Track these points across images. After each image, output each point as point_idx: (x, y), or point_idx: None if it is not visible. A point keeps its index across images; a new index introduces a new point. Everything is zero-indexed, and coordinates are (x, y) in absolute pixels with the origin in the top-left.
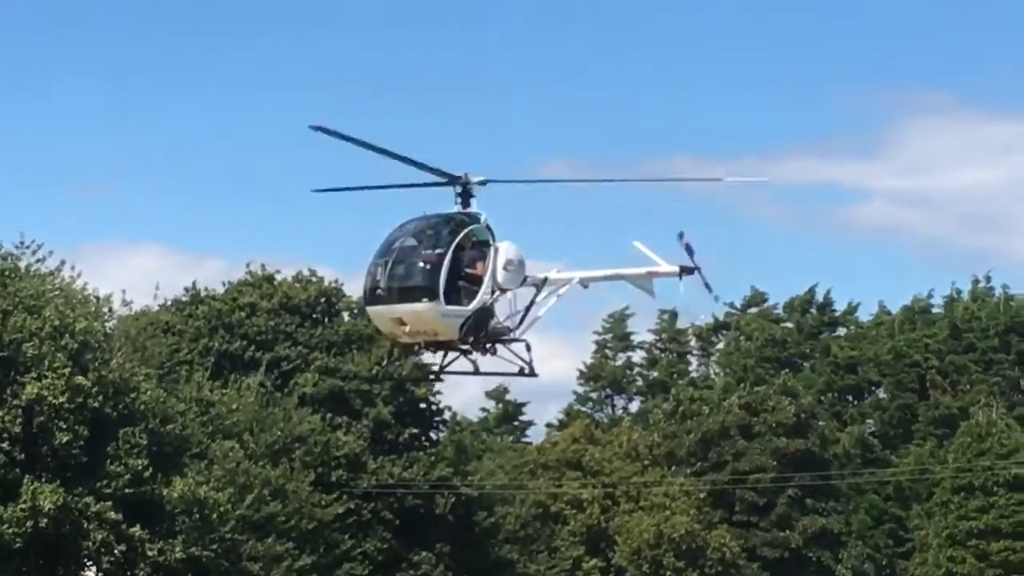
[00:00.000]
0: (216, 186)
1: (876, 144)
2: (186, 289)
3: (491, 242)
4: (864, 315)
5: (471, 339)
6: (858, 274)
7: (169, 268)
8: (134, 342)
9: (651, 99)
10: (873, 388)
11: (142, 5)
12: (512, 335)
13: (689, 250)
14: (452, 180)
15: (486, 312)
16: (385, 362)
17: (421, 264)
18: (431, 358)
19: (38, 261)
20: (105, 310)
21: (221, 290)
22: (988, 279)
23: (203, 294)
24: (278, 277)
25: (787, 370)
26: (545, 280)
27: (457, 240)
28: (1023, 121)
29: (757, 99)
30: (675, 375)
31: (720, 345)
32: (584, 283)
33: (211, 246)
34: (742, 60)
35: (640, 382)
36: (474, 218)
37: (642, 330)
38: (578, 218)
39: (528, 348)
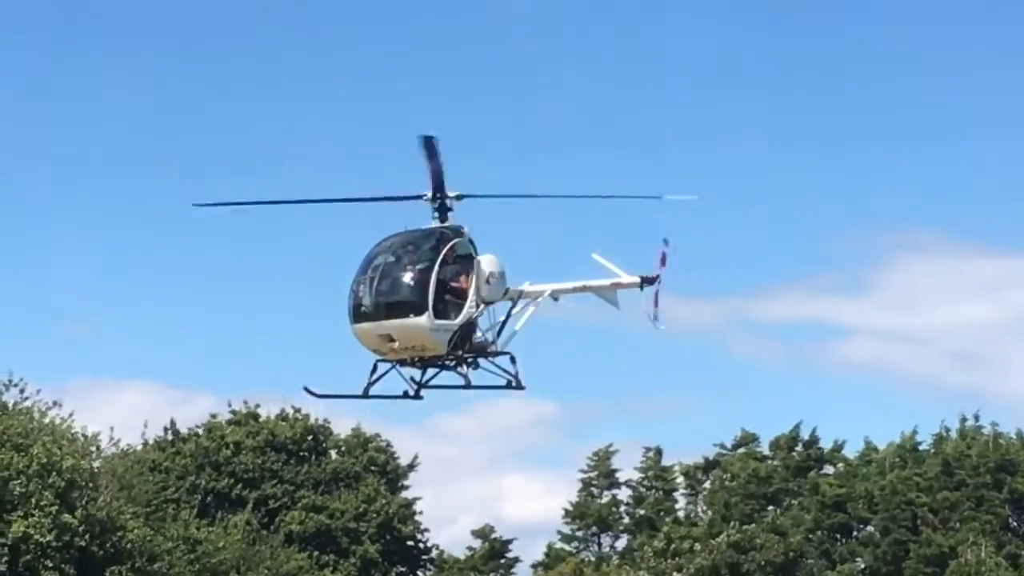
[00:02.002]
0: (205, 321)
1: (863, 281)
2: (166, 428)
3: (474, 255)
4: (850, 452)
5: (458, 353)
6: (845, 411)
7: (159, 405)
8: (121, 480)
9: (635, 235)
10: (862, 526)
11: (132, 158)
12: (495, 347)
13: (662, 259)
14: (422, 197)
15: (471, 325)
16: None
17: (408, 279)
18: (421, 487)
19: (25, 399)
20: (93, 448)
21: (203, 428)
22: (976, 417)
23: (185, 432)
24: (263, 414)
25: (774, 508)
26: (521, 293)
27: (443, 254)
28: (1012, 257)
29: (743, 237)
30: (662, 513)
31: (707, 484)
32: (555, 295)
33: (201, 381)
34: (727, 197)
35: (627, 520)
36: (457, 232)
37: (627, 467)
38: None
39: (513, 360)
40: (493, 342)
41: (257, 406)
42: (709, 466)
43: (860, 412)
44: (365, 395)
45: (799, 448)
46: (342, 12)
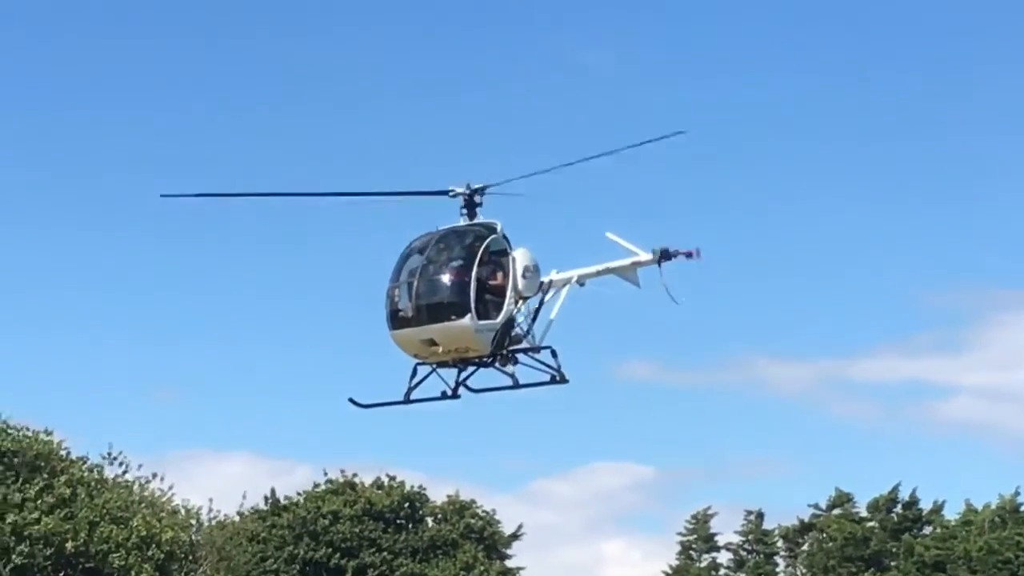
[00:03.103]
0: (301, 391)
1: (961, 340)
2: (265, 498)
3: (508, 251)
4: (950, 513)
5: (501, 352)
6: (944, 471)
7: (258, 475)
8: (220, 552)
9: (729, 299)
10: None
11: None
12: (533, 341)
13: (687, 254)
14: (447, 193)
15: (511, 322)
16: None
17: (448, 280)
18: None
19: (124, 472)
20: (192, 521)
21: (302, 496)
22: None
23: (282, 502)
24: (360, 483)
25: (873, 570)
26: (550, 283)
27: (480, 252)
28: None
29: (839, 298)
30: None
31: (805, 546)
32: (581, 281)
33: (299, 451)
34: (822, 258)
35: None
36: (490, 228)
37: (727, 531)
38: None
39: (554, 354)
40: (527, 334)
41: (355, 475)
42: (805, 528)
43: (959, 472)
44: (407, 400)
45: (898, 509)
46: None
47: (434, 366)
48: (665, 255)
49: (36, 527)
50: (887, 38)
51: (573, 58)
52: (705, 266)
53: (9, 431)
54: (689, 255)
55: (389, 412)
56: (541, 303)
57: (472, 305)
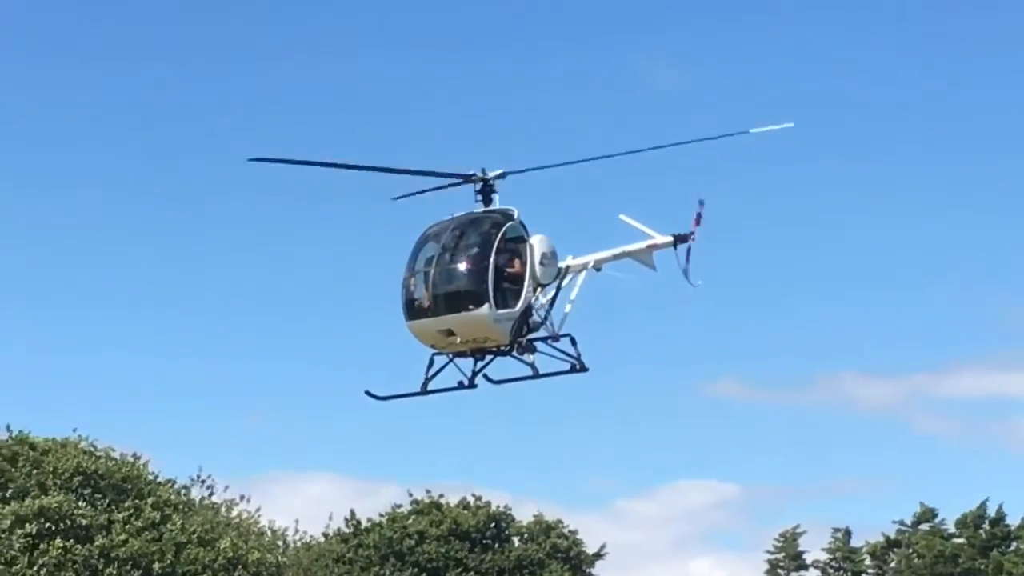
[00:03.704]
0: (386, 411)
1: None
2: (346, 519)
3: (525, 238)
4: None
5: (520, 341)
6: None
7: (343, 496)
8: (306, 573)
9: (820, 315)
10: None
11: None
12: (551, 329)
13: (697, 219)
14: (467, 179)
15: (529, 311)
16: None
17: (465, 269)
18: None
19: (211, 494)
20: (279, 542)
21: (385, 518)
22: None
23: (365, 523)
24: (445, 503)
25: None
26: (566, 269)
27: (497, 240)
28: None
29: (926, 314)
30: None
31: (892, 563)
32: (597, 266)
33: (383, 472)
34: (908, 274)
35: None
36: (507, 215)
37: (814, 548)
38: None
39: (573, 342)
40: (545, 321)
41: (440, 496)
42: (892, 545)
43: None
44: (424, 391)
45: (985, 526)
46: None
47: (451, 356)
48: (681, 238)
49: (124, 549)
50: (961, 54)
51: (639, 76)
52: (794, 282)
53: (96, 453)
54: (698, 221)
55: (476, 433)
56: (558, 289)
57: (490, 294)
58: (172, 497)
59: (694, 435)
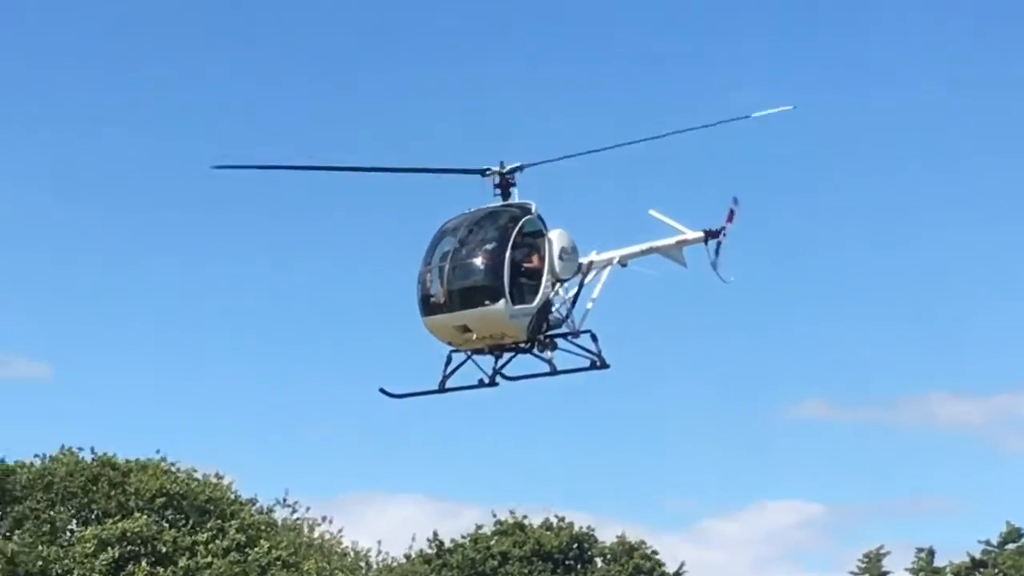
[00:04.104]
0: (469, 432)
1: None
2: (429, 540)
3: (543, 232)
4: None
5: (538, 337)
6: None
7: (426, 517)
8: None
9: (906, 335)
10: None
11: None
12: (572, 325)
13: (730, 216)
14: (482, 173)
15: (548, 306)
16: None
17: (481, 264)
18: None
19: (294, 515)
20: (362, 564)
21: (468, 539)
22: None
23: (448, 544)
24: (528, 524)
25: None
26: (590, 264)
27: (513, 234)
28: None
29: (1012, 333)
30: None
31: None
32: (623, 262)
33: (467, 493)
34: (996, 295)
35: None
36: (525, 209)
37: (898, 569)
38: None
39: (594, 338)
40: (567, 318)
41: (524, 517)
42: (977, 565)
43: None
44: (442, 389)
45: None
46: None
47: (469, 353)
48: (711, 233)
49: (208, 571)
50: None
51: (722, 97)
52: (878, 302)
53: (178, 474)
54: (731, 219)
55: (560, 452)
56: (581, 285)
57: (506, 289)
58: (256, 518)
59: (778, 455)
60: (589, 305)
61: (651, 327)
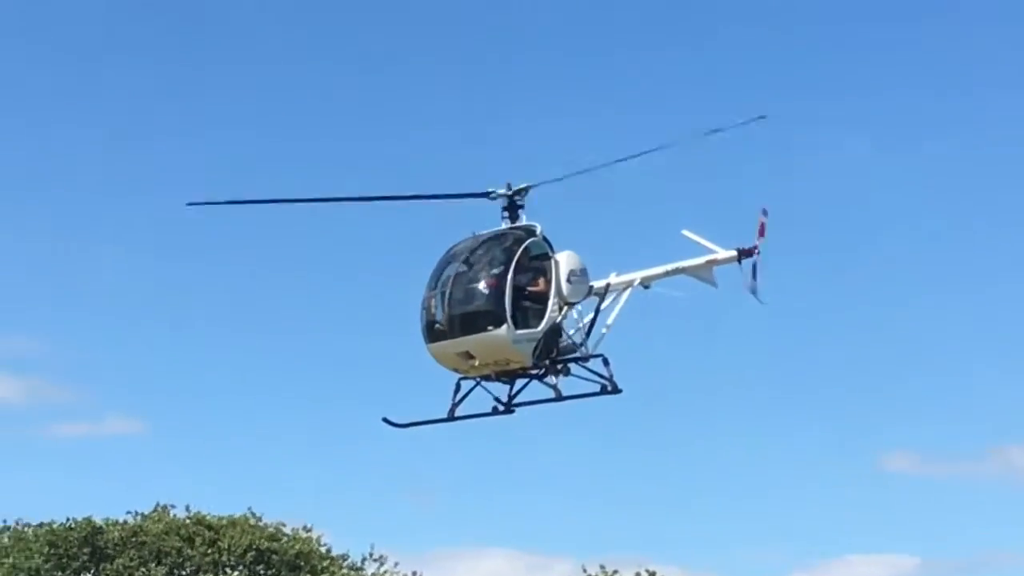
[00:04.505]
0: (558, 485)
1: None
2: None
3: (550, 254)
4: None
5: (545, 362)
6: None
7: (516, 571)
8: None
9: (1000, 385)
10: None
11: None
12: (586, 351)
13: (761, 229)
14: (489, 195)
15: (556, 330)
16: None
17: (482, 288)
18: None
19: (384, 571)
20: None
21: None
22: None
23: None
24: None
25: None
26: (607, 287)
27: (516, 257)
28: None
29: None
30: None
31: None
32: (645, 283)
33: (557, 546)
34: None
35: None
36: (529, 231)
37: None
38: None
39: (606, 363)
40: (582, 344)
41: (615, 572)
42: None
43: None
44: (451, 418)
45: None
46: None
47: (478, 380)
48: (745, 252)
49: None
50: None
51: (828, 143)
52: (968, 354)
53: (267, 529)
54: (762, 232)
55: (650, 501)
56: (598, 310)
57: (508, 313)
58: (346, 573)
59: (867, 507)
60: (604, 330)
61: (731, 370)
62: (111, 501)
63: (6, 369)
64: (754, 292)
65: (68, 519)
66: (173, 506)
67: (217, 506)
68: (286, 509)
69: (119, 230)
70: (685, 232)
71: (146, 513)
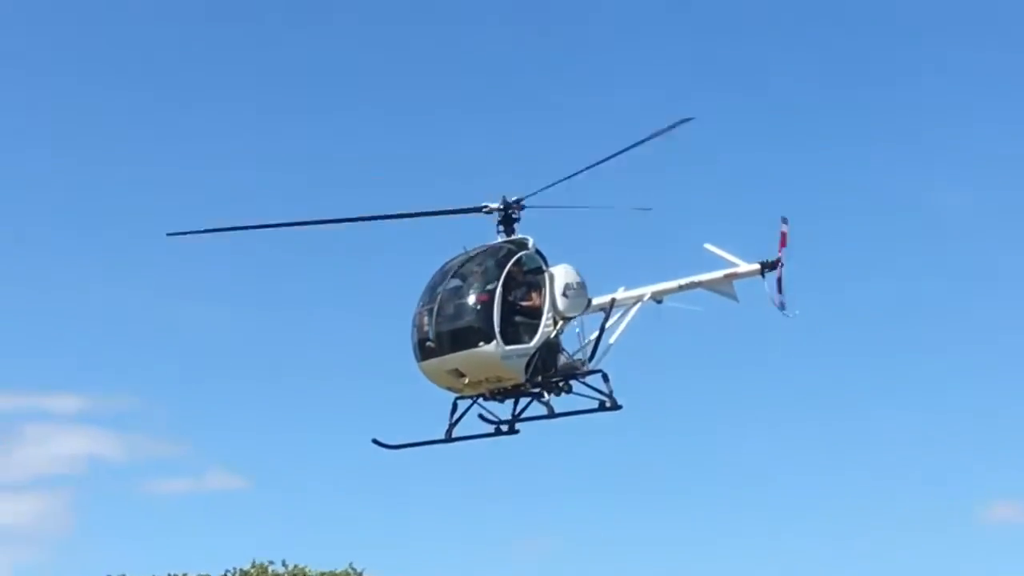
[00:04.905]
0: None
1: None
2: None
3: (544, 268)
4: None
5: (540, 379)
6: None
7: None
8: None
9: None
10: None
11: None
12: (585, 367)
13: (783, 239)
14: (482, 210)
15: (553, 346)
16: None
17: (470, 304)
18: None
19: None
20: None
21: None
22: None
23: None
24: None
25: None
26: (612, 302)
27: (506, 271)
28: None
29: None
30: None
31: None
32: (657, 298)
33: None
34: None
35: None
36: (520, 244)
37: None
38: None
39: (605, 379)
40: (583, 360)
41: None
42: None
43: None
44: (448, 439)
45: None
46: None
47: (474, 399)
48: (768, 265)
49: None
50: None
51: (928, 199)
52: None
53: None
54: (784, 243)
55: (725, 552)
56: (603, 326)
57: (496, 329)
58: None
59: (969, 560)
60: (613, 339)
61: (832, 418)
62: (211, 557)
63: (107, 426)
64: (781, 307)
65: (168, 574)
66: (271, 562)
67: (319, 562)
68: (387, 563)
69: (214, 285)
70: (707, 246)
71: (244, 569)
